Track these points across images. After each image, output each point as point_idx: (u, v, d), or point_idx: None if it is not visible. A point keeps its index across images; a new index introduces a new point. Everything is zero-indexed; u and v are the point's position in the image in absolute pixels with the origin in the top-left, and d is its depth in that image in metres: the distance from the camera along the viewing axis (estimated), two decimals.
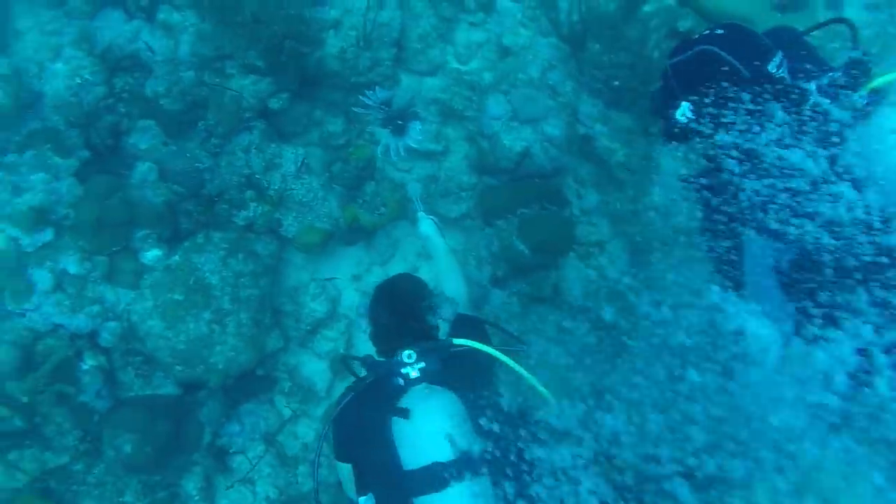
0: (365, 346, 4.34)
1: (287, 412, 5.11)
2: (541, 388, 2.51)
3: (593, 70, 4.68)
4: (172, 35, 4.91)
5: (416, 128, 4.34)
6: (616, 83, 4.63)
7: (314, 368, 5.13)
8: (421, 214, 3.79)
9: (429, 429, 2.26)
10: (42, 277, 4.33)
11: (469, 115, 4.90)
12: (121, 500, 4.66)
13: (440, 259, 3.54)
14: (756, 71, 2.28)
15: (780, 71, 2.30)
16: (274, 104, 4.75)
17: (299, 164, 4.76)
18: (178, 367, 4.50)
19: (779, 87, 2.31)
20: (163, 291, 4.38)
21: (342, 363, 3.10)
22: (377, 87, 4.34)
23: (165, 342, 4.39)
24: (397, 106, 4.30)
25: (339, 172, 4.84)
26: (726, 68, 2.32)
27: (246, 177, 4.77)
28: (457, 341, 2.46)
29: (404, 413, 2.28)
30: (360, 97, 4.36)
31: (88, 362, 4.45)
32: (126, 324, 4.46)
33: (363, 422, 2.41)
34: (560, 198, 4.62)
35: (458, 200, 4.92)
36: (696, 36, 2.48)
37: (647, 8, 4.56)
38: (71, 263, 4.35)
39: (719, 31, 2.40)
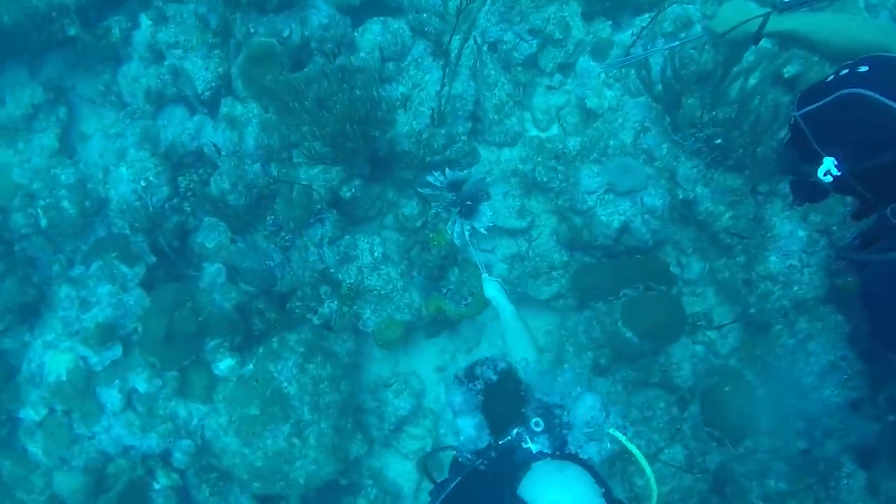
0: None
1: None
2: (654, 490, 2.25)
3: (690, 129, 4.22)
4: (236, 128, 4.69)
5: (486, 212, 4.03)
6: (718, 141, 4.15)
7: (400, 470, 4.70)
8: (485, 276, 3.61)
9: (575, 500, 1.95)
10: (111, 397, 4.06)
11: (554, 187, 4.48)
12: None
13: (507, 323, 3.28)
14: None
15: None
16: (345, 193, 4.44)
17: (376, 254, 4.41)
18: (256, 484, 4.13)
19: None
20: (237, 406, 4.05)
21: (426, 461, 2.89)
22: (447, 169, 4.05)
23: (242, 459, 4.04)
24: (467, 188, 4.00)
25: (420, 260, 4.46)
26: (880, 114, 1.86)
27: (320, 272, 4.44)
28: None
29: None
30: (427, 177, 4.10)
31: (161, 482, 4.15)
32: (200, 441, 4.14)
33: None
34: (667, 275, 4.11)
35: (548, 281, 4.47)
36: (831, 77, 2.02)
37: (748, 57, 4.09)
38: (140, 381, 4.07)
39: (863, 69, 1.93)
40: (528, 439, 2.15)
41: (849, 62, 2.01)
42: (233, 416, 4.03)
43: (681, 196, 4.30)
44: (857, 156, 1.96)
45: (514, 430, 2.19)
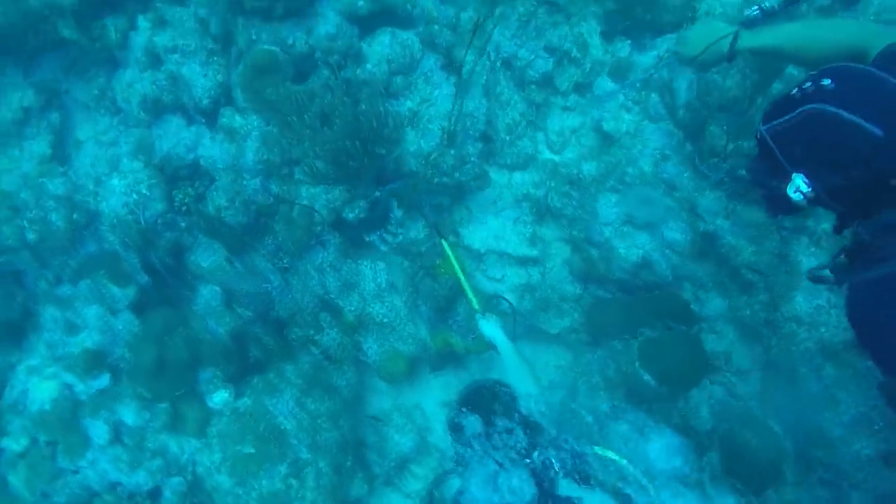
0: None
1: None
2: None
3: (713, 158, 4.00)
4: (235, 140, 4.46)
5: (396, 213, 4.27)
6: (742, 172, 3.94)
7: None
8: (477, 315, 3.45)
9: None
10: (98, 430, 3.85)
11: (568, 214, 4.27)
12: None
13: (506, 361, 3.23)
14: (888, 125, 1.74)
15: None
16: (348, 214, 4.21)
17: (380, 281, 4.20)
18: None
19: None
20: (231, 443, 3.84)
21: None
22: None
23: (235, 500, 3.84)
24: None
25: (426, 289, 4.25)
26: (845, 130, 1.77)
27: (320, 298, 4.23)
28: (598, 449, 2.40)
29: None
30: None
31: None
32: (191, 478, 3.93)
33: None
34: (688, 314, 3.91)
35: (560, 314, 4.27)
36: (796, 90, 1.91)
37: (776, 85, 3.88)
38: (129, 413, 3.86)
39: (826, 82, 1.84)
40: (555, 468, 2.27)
41: (813, 73, 1.92)
42: (226, 452, 3.83)
43: (701, 228, 4.10)
44: (826, 173, 1.88)
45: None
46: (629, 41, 4.49)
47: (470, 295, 3.56)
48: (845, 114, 1.76)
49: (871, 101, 1.78)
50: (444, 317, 4.26)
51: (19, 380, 3.98)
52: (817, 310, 3.92)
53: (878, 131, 1.73)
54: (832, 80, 1.84)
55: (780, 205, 2.05)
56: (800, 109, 1.85)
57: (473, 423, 2.53)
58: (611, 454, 2.46)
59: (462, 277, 3.64)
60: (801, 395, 3.91)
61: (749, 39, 2.67)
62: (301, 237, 4.18)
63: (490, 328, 3.35)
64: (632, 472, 2.38)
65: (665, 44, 4.25)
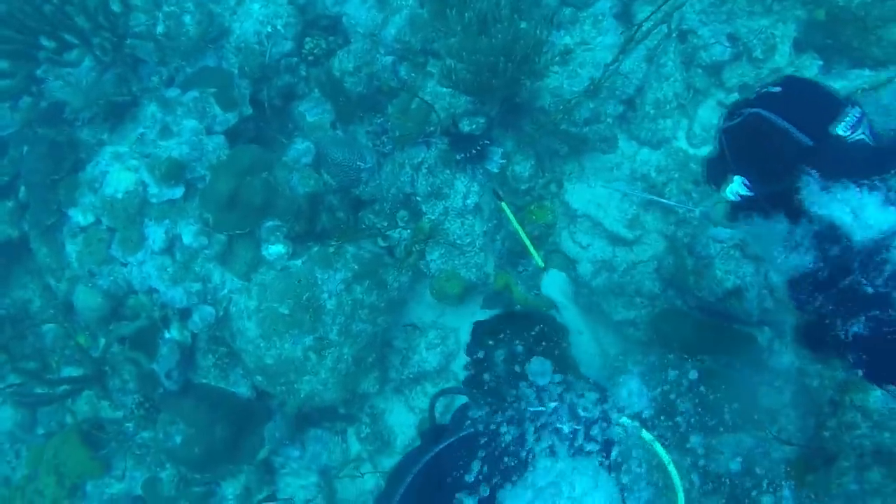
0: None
1: (355, 448, 4.54)
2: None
3: None
4: (384, 11, 4.29)
5: (496, 152, 4.01)
6: None
7: (401, 420, 4.49)
8: (552, 272, 3.24)
9: None
10: (156, 235, 3.89)
11: (680, 212, 4.01)
12: (157, 474, 4.29)
13: (570, 325, 2.80)
14: (819, 136, 1.74)
15: (857, 133, 1.75)
16: (465, 126, 4.04)
17: (468, 202, 4.06)
18: (259, 378, 3.98)
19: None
20: (271, 297, 3.83)
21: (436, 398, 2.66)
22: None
23: (255, 349, 3.87)
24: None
25: (509, 227, 4.09)
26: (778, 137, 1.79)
27: (405, 195, 4.13)
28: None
29: None
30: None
31: (173, 334, 4.00)
32: (222, 313, 3.97)
33: None
34: (758, 361, 3.67)
35: (629, 305, 4.07)
36: (752, 95, 1.92)
37: None
38: (188, 232, 3.88)
39: (775, 89, 1.87)
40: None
41: (772, 80, 1.94)
42: (263, 304, 3.83)
43: None
44: (762, 177, 1.90)
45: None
46: (820, 61, 4.09)
47: (532, 251, 3.32)
48: (779, 120, 1.76)
49: (808, 111, 1.77)
50: (516, 261, 4.12)
51: (103, 160, 4.03)
52: (892, 413, 3.63)
53: (807, 141, 1.72)
54: (781, 86, 1.86)
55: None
56: (746, 111, 1.86)
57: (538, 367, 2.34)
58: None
59: (524, 236, 3.40)
60: (831, 486, 3.67)
61: None
62: (411, 130, 4.04)
63: (554, 285, 3.13)
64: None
65: (860, 79, 3.84)
